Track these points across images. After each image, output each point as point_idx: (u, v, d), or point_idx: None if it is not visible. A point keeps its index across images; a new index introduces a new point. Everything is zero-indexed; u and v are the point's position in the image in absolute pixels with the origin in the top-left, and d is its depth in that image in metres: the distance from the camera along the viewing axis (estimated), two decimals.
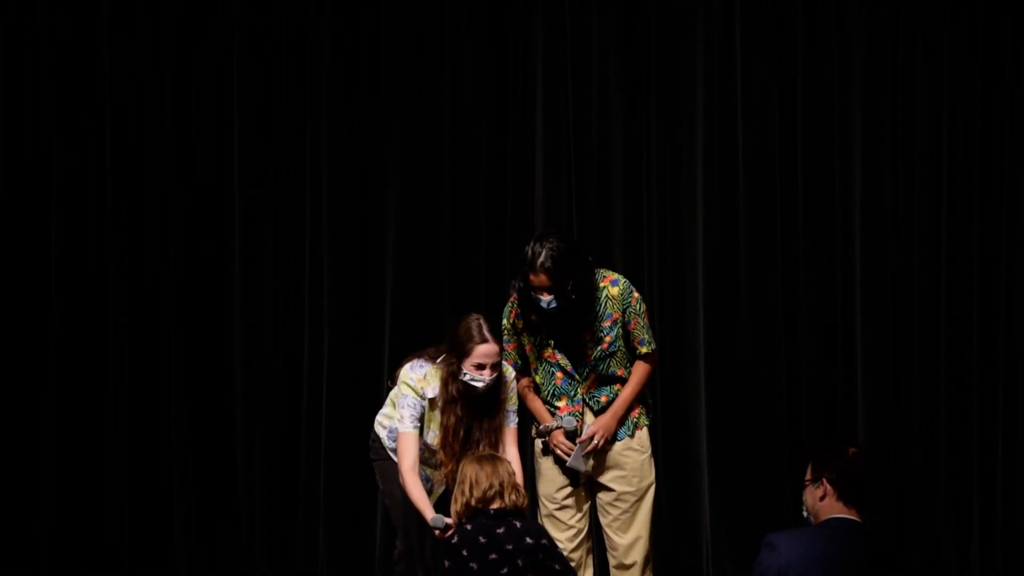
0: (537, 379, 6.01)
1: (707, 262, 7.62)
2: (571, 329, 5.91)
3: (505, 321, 5.99)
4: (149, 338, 7.75)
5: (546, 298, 5.78)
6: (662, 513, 7.29)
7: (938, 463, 7.57)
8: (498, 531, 5.37)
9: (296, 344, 7.77)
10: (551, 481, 6.01)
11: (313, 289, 7.74)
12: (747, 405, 7.57)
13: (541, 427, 6.00)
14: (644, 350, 5.98)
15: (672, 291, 7.67)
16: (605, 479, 6.00)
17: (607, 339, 5.90)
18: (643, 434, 6.04)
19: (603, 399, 5.97)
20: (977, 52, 7.53)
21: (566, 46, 7.66)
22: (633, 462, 6.00)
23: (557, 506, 6.01)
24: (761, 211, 7.62)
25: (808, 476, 4.64)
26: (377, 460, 6.01)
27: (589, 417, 5.98)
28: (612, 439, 5.97)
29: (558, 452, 5.97)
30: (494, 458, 5.56)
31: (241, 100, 7.75)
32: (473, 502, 5.44)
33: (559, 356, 5.95)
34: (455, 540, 5.40)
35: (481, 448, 5.71)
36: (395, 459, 5.84)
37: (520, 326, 5.96)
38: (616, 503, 6.01)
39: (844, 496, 4.57)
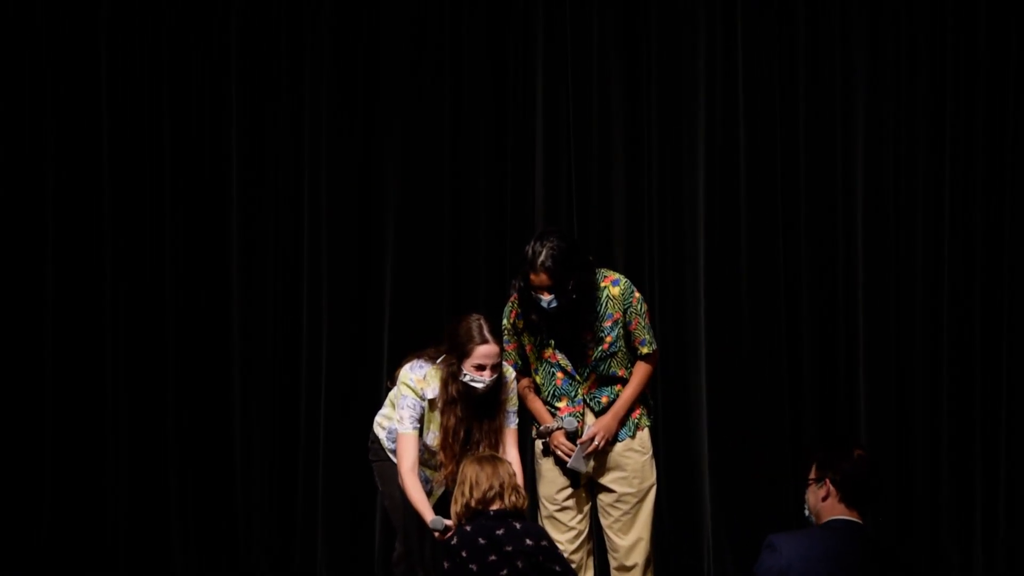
0: (537, 379, 5.99)
1: (708, 262, 7.62)
2: (572, 329, 5.89)
3: (505, 321, 5.97)
4: (146, 339, 7.76)
5: (547, 298, 5.76)
6: (663, 514, 7.27)
7: (940, 463, 7.57)
8: (498, 532, 5.35)
9: (295, 344, 7.78)
10: (552, 482, 5.99)
11: (312, 289, 7.75)
12: (748, 406, 7.56)
13: (542, 428, 5.98)
14: (645, 350, 5.97)
15: (673, 291, 7.67)
16: (606, 480, 5.99)
17: (608, 339, 5.88)
18: (644, 435, 6.02)
19: (604, 400, 5.96)
20: (980, 50, 7.53)
21: (566, 45, 7.66)
22: (634, 463, 5.99)
23: (558, 507, 5.99)
24: (763, 210, 7.62)
25: (812, 475, 4.63)
26: (376, 461, 5.99)
27: (590, 418, 5.96)
28: (613, 440, 5.95)
29: (559, 453, 5.95)
30: (494, 459, 5.55)
31: (240, 99, 7.76)
32: (473, 503, 5.42)
33: (559, 356, 5.93)
34: (454, 541, 5.38)
35: (481, 449, 5.68)
36: (394, 460, 5.83)
37: (520, 326, 5.94)
38: (617, 504, 5.99)
39: (847, 498, 4.55)
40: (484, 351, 5.66)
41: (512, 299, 5.96)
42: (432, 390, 5.75)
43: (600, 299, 5.88)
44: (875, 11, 7.57)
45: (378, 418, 5.98)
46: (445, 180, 7.71)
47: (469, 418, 5.73)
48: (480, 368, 5.66)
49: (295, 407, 7.75)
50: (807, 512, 4.67)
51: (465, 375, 5.67)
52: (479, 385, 5.68)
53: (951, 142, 7.54)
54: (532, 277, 5.74)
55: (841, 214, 7.61)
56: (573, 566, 5.82)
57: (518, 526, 5.38)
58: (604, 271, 5.96)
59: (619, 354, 5.93)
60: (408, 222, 7.70)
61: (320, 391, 7.71)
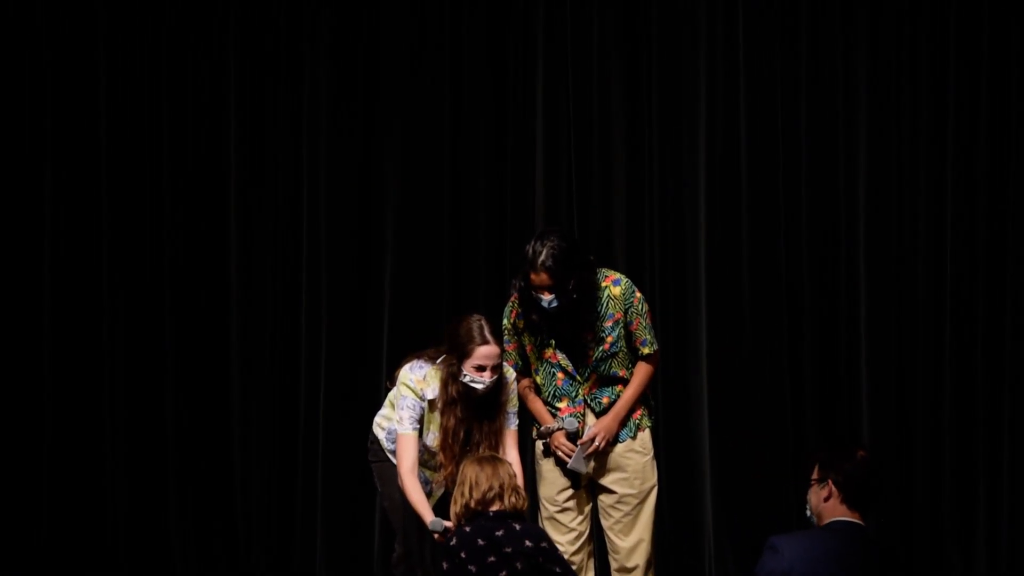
0: (538, 380, 5.98)
1: (709, 261, 7.61)
2: (572, 329, 5.87)
3: (506, 321, 5.96)
4: (145, 339, 7.76)
5: (547, 297, 5.74)
6: (664, 515, 7.21)
7: (942, 464, 7.55)
8: (497, 533, 5.33)
9: (294, 344, 7.78)
10: (552, 483, 5.98)
11: (311, 288, 7.74)
12: (750, 406, 7.56)
13: (542, 428, 5.96)
14: (646, 351, 5.95)
15: (674, 291, 7.67)
16: (607, 481, 5.97)
17: (609, 339, 5.87)
18: (645, 436, 6.00)
19: (605, 400, 5.94)
20: (983, 49, 7.52)
21: (567, 44, 7.66)
22: (635, 464, 5.97)
23: (558, 508, 5.97)
24: (764, 210, 7.61)
25: (814, 476, 4.61)
26: (376, 462, 5.97)
27: (591, 418, 5.94)
28: (614, 441, 5.93)
29: (559, 454, 5.93)
30: (495, 459, 5.53)
31: (239, 99, 7.76)
32: (473, 504, 5.40)
33: (560, 356, 5.91)
34: (453, 542, 5.37)
35: (481, 450, 5.67)
36: (394, 461, 5.81)
37: (521, 326, 5.93)
38: (618, 505, 5.98)
39: (849, 499, 4.54)
40: (484, 352, 5.64)
41: (512, 299, 5.94)
42: (432, 391, 5.74)
43: (601, 299, 5.86)
44: (877, 10, 7.55)
45: (378, 419, 5.96)
46: (445, 180, 7.71)
47: (469, 419, 5.72)
48: (480, 369, 5.65)
49: (294, 407, 7.75)
50: (808, 513, 4.66)
51: (465, 376, 5.66)
52: (479, 386, 5.66)
53: (954, 141, 7.53)
54: (532, 277, 5.72)
55: (843, 214, 7.60)
56: (573, 567, 5.79)
57: (518, 527, 5.36)
58: (605, 271, 5.95)
59: (620, 354, 5.91)
60: (408, 222, 7.70)
61: (319, 391, 7.71)
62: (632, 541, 5.98)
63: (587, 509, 6.00)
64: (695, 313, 7.62)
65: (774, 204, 7.60)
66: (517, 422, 5.83)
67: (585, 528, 6.00)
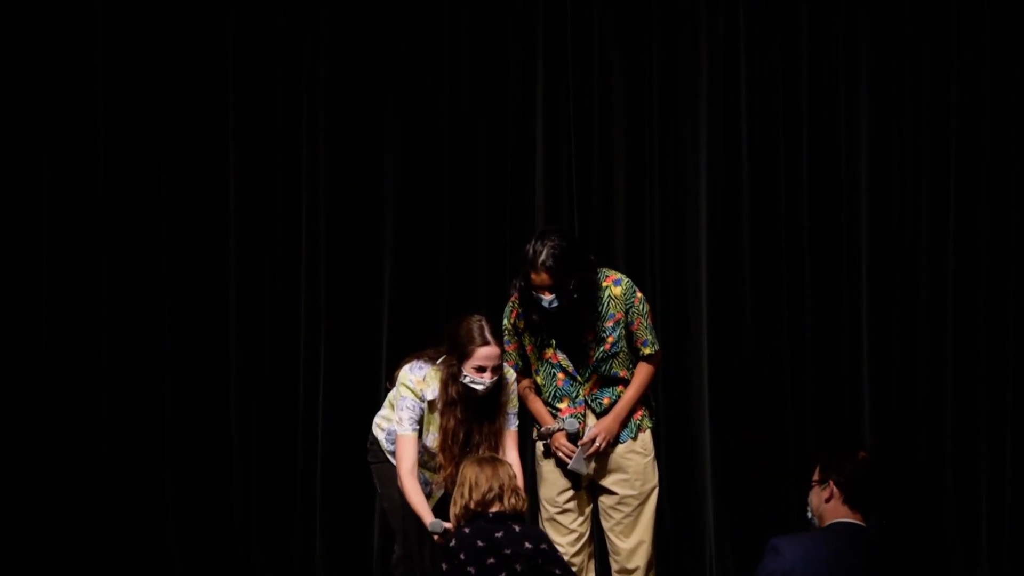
0: (538, 380, 5.96)
1: (710, 261, 7.61)
2: (573, 329, 5.86)
3: (506, 321, 5.95)
4: (143, 339, 7.75)
5: (548, 297, 5.73)
6: (665, 517, 7.25)
7: (945, 464, 7.55)
8: (497, 535, 5.31)
9: (293, 344, 7.77)
10: (552, 484, 5.96)
11: (310, 288, 7.74)
12: (751, 406, 7.55)
13: (543, 429, 5.94)
14: (647, 351, 5.93)
15: (675, 291, 7.67)
16: (607, 482, 5.95)
17: (609, 340, 5.85)
18: (646, 436, 5.98)
19: (605, 401, 5.92)
20: (985, 47, 7.52)
21: (567, 41, 7.66)
22: (636, 465, 5.95)
23: (559, 510, 5.95)
24: (765, 208, 7.61)
25: (815, 477, 4.60)
26: (375, 463, 5.95)
27: (591, 419, 5.93)
28: (614, 441, 5.92)
29: (560, 455, 5.91)
30: (494, 460, 5.51)
31: (237, 99, 7.75)
32: (472, 505, 5.38)
33: (560, 357, 5.90)
34: (453, 543, 5.35)
35: (481, 451, 5.65)
36: (394, 462, 5.79)
37: (521, 326, 5.91)
38: (619, 507, 5.96)
39: (850, 500, 4.53)
40: (485, 353, 5.62)
41: (513, 299, 5.93)
42: (432, 391, 5.72)
43: (602, 299, 5.84)
44: (878, 8, 7.55)
45: (377, 419, 5.94)
46: (445, 179, 7.70)
47: (469, 420, 5.70)
48: (480, 370, 5.63)
49: (293, 408, 7.74)
50: (809, 514, 4.65)
51: (465, 376, 5.64)
52: (479, 387, 5.64)
53: (956, 140, 7.53)
54: (533, 276, 5.71)
55: (845, 213, 7.60)
56: (574, 569, 5.78)
57: (517, 529, 5.35)
58: (606, 271, 5.93)
59: (621, 355, 5.89)
60: (407, 221, 7.69)
61: (318, 392, 7.70)
62: (633, 542, 5.96)
63: (588, 510, 5.98)
64: (696, 313, 7.61)
65: (775, 204, 7.60)
66: (517, 423, 5.81)
67: (586, 529, 5.98)
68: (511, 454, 5.72)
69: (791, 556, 4.43)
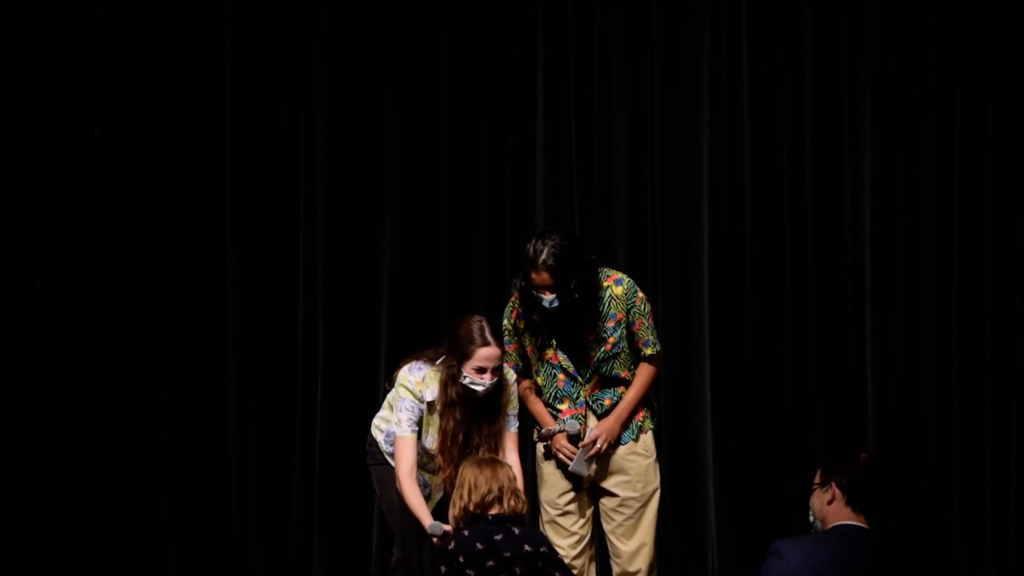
0: (539, 381, 5.94)
1: (712, 261, 7.61)
2: (574, 329, 5.84)
3: (506, 321, 5.93)
4: (139, 338, 7.75)
5: (548, 297, 5.71)
6: (667, 519, 7.23)
7: (950, 466, 7.54)
8: (496, 537, 5.28)
9: (291, 344, 7.77)
10: (553, 486, 5.94)
11: (308, 288, 7.74)
12: (754, 408, 7.55)
13: (543, 431, 5.92)
14: (649, 351, 5.91)
15: (677, 291, 7.66)
16: (609, 484, 5.93)
17: (611, 340, 5.83)
18: (647, 438, 5.96)
19: (607, 402, 5.90)
20: (991, 42, 7.50)
21: (567, 40, 7.65)
22: (637, 466, 5.93)
23: (559, 512, 5.93)
24: (768, 208, 7.60)
25: (817, 480, 4.57)
26: (374, 465, 5.92)
27: (592, 421, 5.90)
28: (616, 443, 5.90)
29: (560, 456, 5.89)
30: (494, 462, 5.48)
31: (234, 98, 7.75)
32: (471, 507, 5.35)
33: (561, 357, 5.88)
34: (452, 546, 5.32)
35: (480, 453, 5.62)
36: (393, 464, 5.76)
37: (521, 326, 5.90)
38: (620, 509, 5.93)
39: (853, 502, 4.50)
40: (485, 354, 5.59)
41: (513, 299, 5.91)
42: (431, 392, 5.70)
43: (603, 299, 5.83)
44: (882, 8, 7.54)
45: (376, 421, 5.91)
46: (444, 179, 7.70)
47: (468, 421, 5.67)
48: (480, 371, 5.60)
49: (291, 409, 7.74)
50: (812, 518, 4.63)
51: (465, 377, 5.61)
52: (479, 388, 5.61)
53: (961, 137, 7.52)
54: (533, 276, 5.69)
55: (848, 212, 7.59)
56: (575, 572, 5.77)
57: (517, 531, 5.32)
58: (607, 270, 5.91)
59: (622, 355, 5.87)
60: (407, 221, 7.69)
61: (316, 392, 7.69)
62: (634, 545, 5.93)
63: (588, 512, 5.96)
64: (698, 313, 7.60)
65: (778, 203, 7.59)
66: (517, 424, 5.79)
67: (587, 532, 5.95)
68: (511, 456, 5.69)
69: (794, 559, 4.40)
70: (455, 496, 5.41)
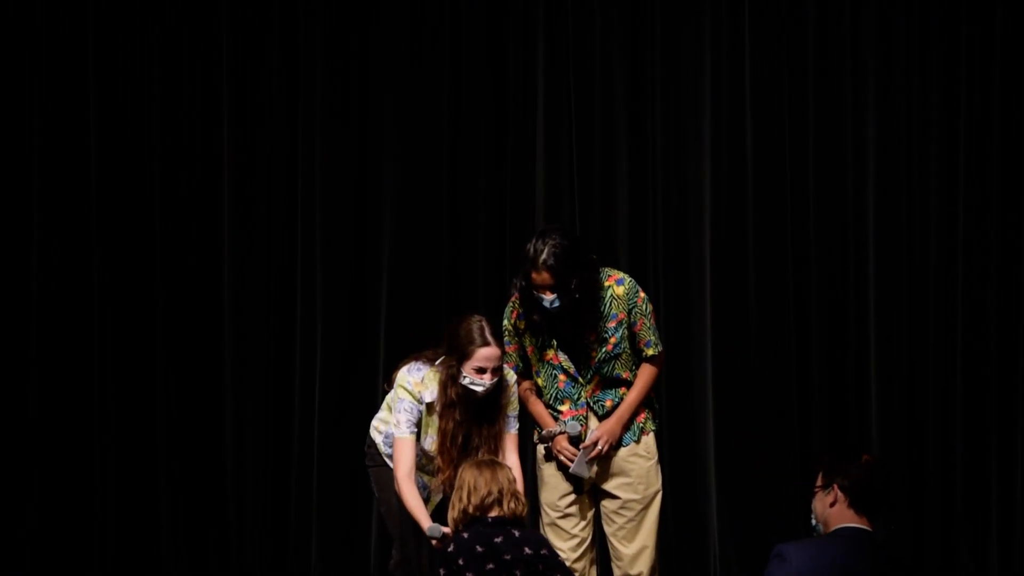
0: (539, 382, 5.92)
1: (714, 260, 7.60)
2: (574, 330, 5.82)
3: (506, 322, 5.91)
4: (136, 339, 7.75)
5: (549, 297, 5.69)
6: (668, 521, 7.22)
7: (954, 468, 7.53)
8: (496, 540, 5.25)
9: (288, 344, 7.77)
10: (554, 488, 5.92)
11: (306, 288, 7.74)
12: (756, 409, 7.54)
13: (543, 432, 5.90)
14: (650, 352, 5.89)
15: (678, 290, 7.66)
16: (610, 486, 5.91)
17: (612, 340, 5.81)
18: (649, 439, 5.94)
19: (608, 403, 5.88)
20: (995, 41, 7.49)
21: (568, 36, 7.65)
22: (639, 468, 5.90)
23: (560, 514, 5.91)
24: (771, 207, 7.59)
25: (818, 482, 4.56)
26: (373, 466, 5.90)
27: (593, 422, 5.88)
28: (617, 445, 5.87)
29: (561, 458, 5.87)
30: (494, 464, 5.45)
31: (232, 97, 7.73)
32: (471, 509, 5.32)
33: (562, 358, 5.86)
34: (451, 548, 5.29)
35: (480, 455, 5.59)
36: (391, 466, 5.73)
37: (522, 327, 5.87)
38: (621, 511, 5.91)
39: (855, 503, 4.48)
40: (485, 354, 5.57)
41: (513, 299, 5.89)
42: (430, 393, 5.67)
43: (604, 299, 5.80)
44: (886, 1, 7.54)
45: (375, 422, 5.89)
46: (444, 179, 7.70)
47: (468, 422, 5.65)
48: (480, 371, 5.58)
49: (289, 410, 7.73)
50: (814, 521, 4.61)
51: (465, 378, 5.59)
52: (479, 388, 5.59)
53: (966, 135, 7.51)
54: (534, 276, 5.67)
55: (851, 211, 7.58)
56: (576, 575, 5.74)
57: (517, 534, 5.28)
58: (608, 270, 5.89)
59: (623, 356, 5.85)
60: (406, 221, 7.68)
61: (314, 393, 7.68)
62: (636, 548, 5.91)
63: (589, 515, 5.94)
64: (700, 313, 7.59)
65: (781, 203, 7.59)
66: (518, 426, 5.76)
67: (587, 534, 5.93)
68: (511, 457, 5.67)
69: (797, 562, 4.37)
70: (454, 498, 5.38)
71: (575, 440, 5.83)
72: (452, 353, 5.62)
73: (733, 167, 7.58)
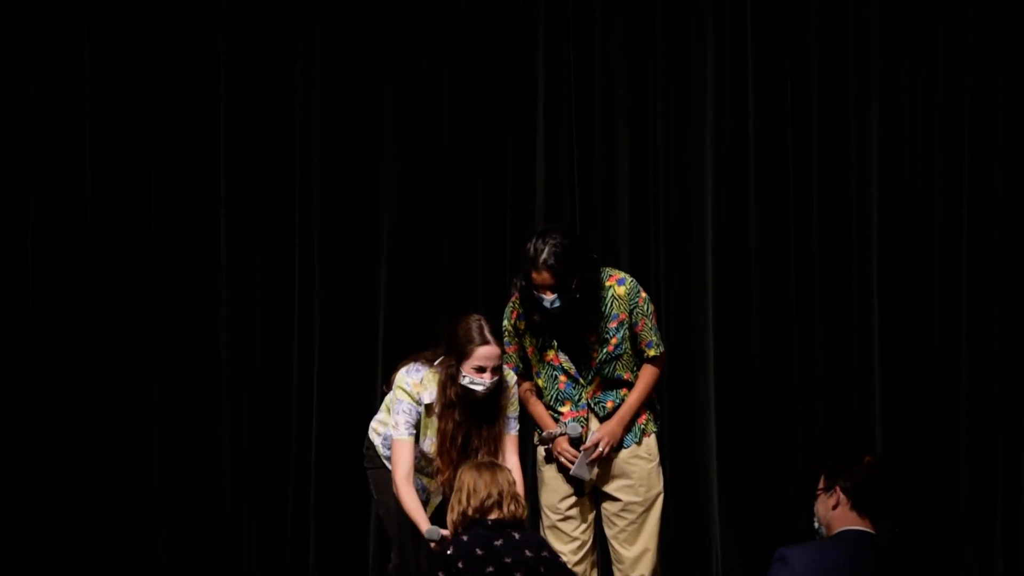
0: (539, 383, 5.90)
1: (716, 261, 7.58)
2: (575, 330, 5.80)
3: (506, 322, 5.89)
4: (132, 339, 7.76)
5: (549, 297, 5.67)
6: (670, 524, 7.20)
7: (958, 468, 7.51)
8: (496, 543, 5.22)
9: (286, 345, 7.77)
10: (554, 491, 5.90)
11: (304, 288, 7.74)
12: (759, 411, 7.52)
13: (544, 434, 5.88)
14: (652, 352, 5.87)
15: (680, 290, 7.64)
16: (611, 488, 5.88)
17: (613, 341, 5.79)
18: (651, 441, 5.92)
19: (609, 404, 5.85)
20: (1000, 39, 7.46)
21: (568, 35, 7.64)
22: (640, 471, 5.88)
23: (560, 517, 5.89)
24: (774, 208, 7.58)
25: (820, 485, 4.55)
26: (371, 468, 5.88)
27: (594, 423, 5.86)
28: (618, 446, 5.85)
29: (562, 460, 5.84)
30: (494, 466, 5.43)
31: (229, 97, 7.76)
32: (470, 511, 5.30)
33: (562, 358, 5.84)
34: (450, 551, 5.26)
35: (480, 456, 5.57)
36: (390, 468, 5.71)
37: (522, 327, 5.86)
38: (622, 514, 5.89)
39: (858, 506, 4.47)
40: (484, 352, 5.55)
41: (513, 299, 5.88)
42: (429, 394, 5.65)
43: (605, 299, 5.79)
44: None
45: (373, 423, 5.87)
46: (443, 177, 7.69)
47: (468, 423, 5.63)
48: (480, 370, 5.56)
49: (286, 412, 7.73)
50: (817, 524, 4.61)
51: (464, 377, 5.57)
52: (479, 388, 5.57)
53: (970, 134, 7.48)
54: (534, 276, 5.65)
55: (855, 211, 7.56)
56: None
57: (517, 536, 5.26)
58: (609, 270, 5.88)
59: (624, 356, 5.83)
60: (404, 220, 7.68)
61: (312, 395, 7.68)
62: (637, 551, 5.89)
63: (590, 517, 5.92)
64: (702, 313, 7.57)
65: (783, 202, 7.57)
66: (518, 427, 5.74)
67: (588, 537, 5.91)
68: (511, 459, 5.65)
69: (799, 566, 4.37)
70: (453, 500, 5.36)
71: (576, 442, 5.81)
72: (451, 353, 5.60)
73: (735, 166, 7.56)
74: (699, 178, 7.58)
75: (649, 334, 5.82)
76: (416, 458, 5.65)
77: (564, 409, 5.85)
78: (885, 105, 7.48)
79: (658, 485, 5.90)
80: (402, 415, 5.62)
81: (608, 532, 5.91)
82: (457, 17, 7.67)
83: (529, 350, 5.86)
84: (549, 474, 5.88)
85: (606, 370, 5.81)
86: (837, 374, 7.56)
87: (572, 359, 5.81)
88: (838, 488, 4.47)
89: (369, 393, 7.42)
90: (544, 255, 5.59)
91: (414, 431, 5.64)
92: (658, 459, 5.92)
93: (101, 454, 7.70)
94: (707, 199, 7.56)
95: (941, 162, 7.50)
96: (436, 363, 5.66)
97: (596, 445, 5.77)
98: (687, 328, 7.57)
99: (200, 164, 7.73)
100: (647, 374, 5.85)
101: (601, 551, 6.06)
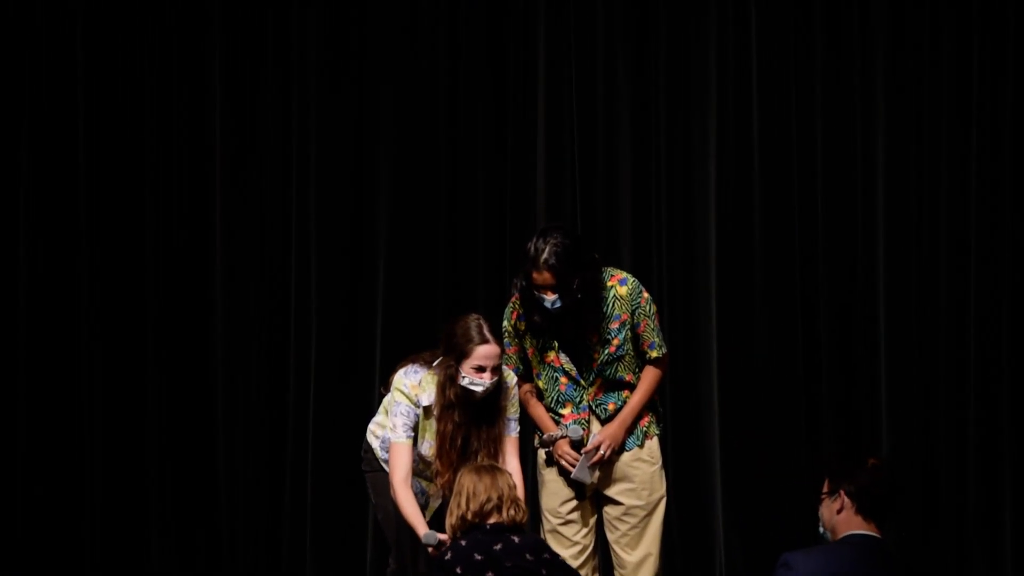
0: (540, 384, 5.88)
1: (720, 261, 7.56)
2: (576, 331, 5.77)
3: (506, 323, 5.87)
4: (126, 343, 7.75)
5: (550, 297, 5.64)
6: (673, 528, 7.21)
7: (966, 471, 7.47)
8: (495, 548, 5.19)
9: (282, 345, 7.76)
10: (555, 494, 5.87)
11: (300, 288, 7.74)
12: (763, 413, 7.50)
13: (544, 436, 5.86)
14: (654, 354, 5.84)
15: (683, 291, 7.62)
16: (612, 492, 5.86)
17: (615, 342, 5.76)
18: (653, 444, 5.89)
19: (610, 406, 5.83)
20: (1008, 38, 7.42)
21: (569, 30, 7.63)
22: (642, 474, 5.85)
23: (561, 521, 5.86)
24: (778, 207, 7.56)
25: (825, 490, 4.54)
26: (369, 472, 5.86)
27: (596, 426, 5.83)
28: (620, 449, 5.83)
29: (562, 463, 5.81)
30: (493, 469, 5.40)
31: (224, 96, 7.74)
32: (469, 515, 5.27)
33: (563, 360, 5.81)
34: (448, 556, 5.22)
35: (479, 458, 5.54)
36: (388, 470, 5.68)
37: (522, 328, 5.83)
38: (624, 518, 5.86)
39: (863, 510, 4.46)
40: (484, 352, 5.52)
41: (513, 299, 5.85)
42: (427, 396, 5.62)
43: (606, 299, 5.76)
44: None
45: (371, 426, 5.85)
46: (442, 175, 7.68)
47: (467, 425, 5.60)
48: (480, 370, 5.53)
49: (283, 414, 7.73)
50: (822, 529, 4.59)
51: (464, 377, 5.54)
52: (478, 388, 5.54)
53: (977, 136, 7.44)
54: (535, 276, 5.63)
55: (860, 211, 7.52)
56: None
57: (516, 540, 5.22)
58: (611, 270, 5.86)
59: (626, 357, 5.80)
60: (403, 219, 7.67)
61: (309, 397, 7.67)
62: (639, 555, 5.86)
63: (592, 521, 5.89)
64: (705, 314, 7.55)
65: (788, 200, 7.55)
66: (518, 429, 5.72)
67: (589, 541, 5.88)
68: (511, 462, 5.62)
69: (804, 571, 4.37)
70: (452, 504, 5.33)
71: (577, 444, 5.78)
72: (450, 353, 5.58)
73: (739, 165, 7.55)
74: (702, 177, 7.56)
75: (651, 335, 5.80)
76: (415, 461, 5.62)
77: (565, 411, 5.82)
78: (891, 102, 7.45)
79: (661, 489, 5.88)
80: (400, 417, 5.58)
81: (610, 536, 5.89)
82: (456, 15, 7.66)
83: (529, 351, 5.84)
84: (550, 478, 5.86)
85: (608, 371, 5.78)
86: (842, 375, 7.52)
87: (573, 360, 5.79)
88: (842, 492, 4.46)
89: (367, 395, 7.40)
90: (545, 255, 5.57)
91: (412, 434, 5.60)
92: (661, 462, 5.90)
93: (95, 456, 7.69)
94: (711, 197, 7.55)
95: (947, 162, 7.47)
96: (435, 364, 5.63)
97: (597, 448, 5.75)
98: (690, 329, 7.56)
99: (196, 164, 7.73)
100: (649, 376, 5.82)
101: (603, 556, 6.02)
